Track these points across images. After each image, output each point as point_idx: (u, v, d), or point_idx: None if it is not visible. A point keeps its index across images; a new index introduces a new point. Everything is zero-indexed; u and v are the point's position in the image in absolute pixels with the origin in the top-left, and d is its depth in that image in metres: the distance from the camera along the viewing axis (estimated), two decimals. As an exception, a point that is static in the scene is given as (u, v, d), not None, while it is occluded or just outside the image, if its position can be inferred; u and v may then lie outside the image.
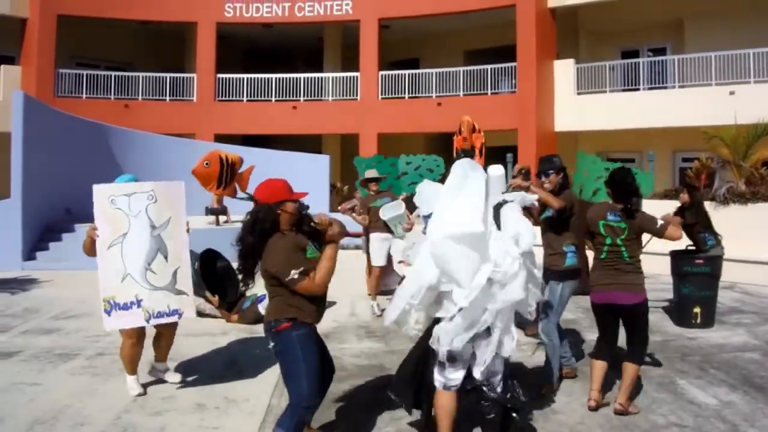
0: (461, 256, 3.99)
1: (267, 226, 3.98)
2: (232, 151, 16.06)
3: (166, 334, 5.96)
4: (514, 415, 4.34)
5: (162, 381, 6.02)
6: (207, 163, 14.87)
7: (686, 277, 8.33)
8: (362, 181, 9.16)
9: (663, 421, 5.02)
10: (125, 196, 5.53)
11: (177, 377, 6.01)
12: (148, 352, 6.00)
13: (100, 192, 5.53)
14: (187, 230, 5.77)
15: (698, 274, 8.30)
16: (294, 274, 3.88)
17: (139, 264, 5.50)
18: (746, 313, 9.19)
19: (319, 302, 4.13)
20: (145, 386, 5.79)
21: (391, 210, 8.64)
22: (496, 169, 4.63)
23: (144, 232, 5.53)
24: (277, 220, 4.03)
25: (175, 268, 5.61)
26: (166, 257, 5.59)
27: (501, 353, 4.21)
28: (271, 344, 4.10)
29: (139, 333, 5.72)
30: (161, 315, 5.58)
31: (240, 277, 4.19)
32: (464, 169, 4.25)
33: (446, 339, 4.11)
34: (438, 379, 4.30)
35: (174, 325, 5.95)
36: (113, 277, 5.46)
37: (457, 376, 4.25)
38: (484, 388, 4.28)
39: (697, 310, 8.25)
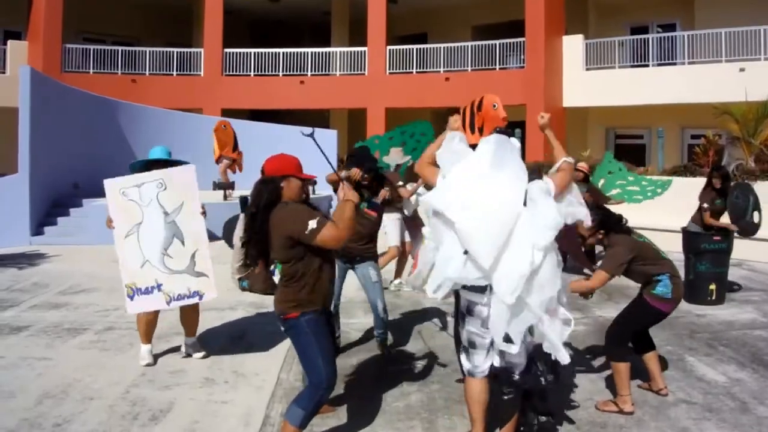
0: (492, 234, 3.67)
1: (269, 197, 3.87)
2: (238, 125, 16.35)
3: (186, 312, 5.99)
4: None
5: (171, 352, 6.09)
6: (224, 126, 15.42)
7: (703, 254, 8.28)
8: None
9: (672, 398, 5.02)
10: (135, 187, 5.65)
11: (201, 353, 6.03)
12: (162, 327, 6.04)
13: (111, 186, 5.67)
14: (203, 213, 5.81)
15: (714, 251, 8.27)
16: (312, 224, 3.72)
17: (156, 251, 5.63)
18: (754, 291, 9.17)
19: (328, 284, 4.03)
20: (155, 358, 5.85)
21: (397, 157, 8.22)
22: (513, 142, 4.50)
23: (158, 220, 5.65)
24: (279, 194, 3.91)
25: (193, 251, 5.71)
26: (183, 242, 5.69)
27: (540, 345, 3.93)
28: (282, 328, 4.05)
29: None
30: (182, 297, 5.71)
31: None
32: (498, 145, 3.86)
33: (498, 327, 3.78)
34: (464, 365, 4.06)
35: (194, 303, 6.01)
36: (133, 264, 5.62)
37: (481, 361, 3.95)
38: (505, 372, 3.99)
39: (712, 287, 8.25)
